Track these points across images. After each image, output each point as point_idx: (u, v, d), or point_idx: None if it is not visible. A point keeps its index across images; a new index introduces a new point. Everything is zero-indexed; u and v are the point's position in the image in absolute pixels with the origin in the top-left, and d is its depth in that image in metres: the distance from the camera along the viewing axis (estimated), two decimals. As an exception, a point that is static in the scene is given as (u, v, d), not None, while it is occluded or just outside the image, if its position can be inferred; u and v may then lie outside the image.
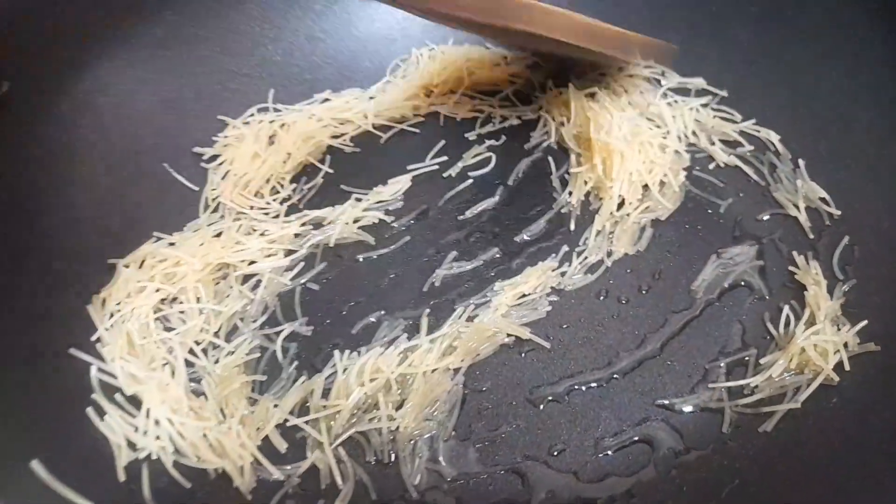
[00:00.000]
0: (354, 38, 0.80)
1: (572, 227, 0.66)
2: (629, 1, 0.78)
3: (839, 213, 0.63)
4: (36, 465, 0.44)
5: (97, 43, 0.67)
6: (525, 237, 0.66)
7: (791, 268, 0.61)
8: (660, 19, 0.77)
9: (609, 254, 0.64)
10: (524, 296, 0.61)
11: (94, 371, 0.53)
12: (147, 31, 0.70)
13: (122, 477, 0.48)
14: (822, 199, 0.64)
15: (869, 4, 0.65)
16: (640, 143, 0.67)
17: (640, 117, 0.71)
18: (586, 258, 0.63)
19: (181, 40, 0.72)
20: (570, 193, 0.68)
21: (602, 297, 0.61)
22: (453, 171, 0.71)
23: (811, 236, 0.63)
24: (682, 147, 0.70)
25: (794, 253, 0.61)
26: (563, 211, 0.68)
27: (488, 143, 0.73)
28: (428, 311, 0.60)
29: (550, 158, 0.72)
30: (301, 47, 0.79)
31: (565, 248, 0.64)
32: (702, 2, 0.75)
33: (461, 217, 0.68)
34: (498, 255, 0.65)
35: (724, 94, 0.73)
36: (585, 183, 0.68)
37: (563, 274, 0.62)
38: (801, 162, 0.66)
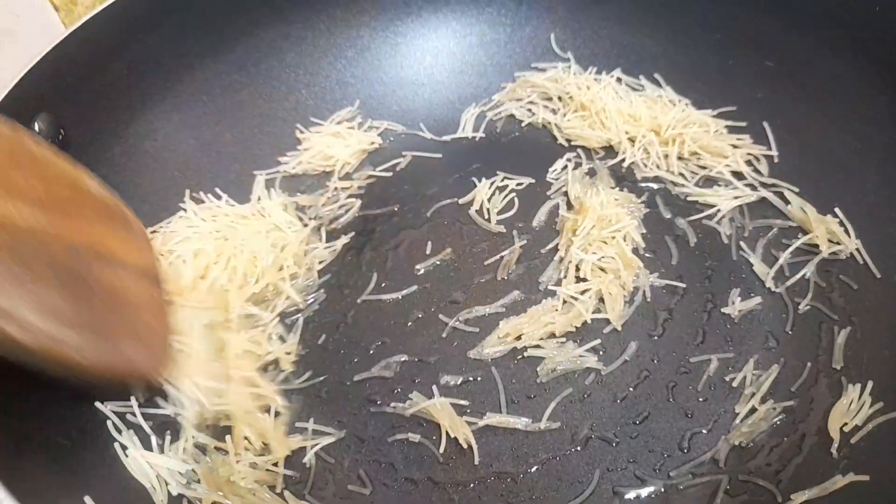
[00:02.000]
0: (383, 83, 0.83)
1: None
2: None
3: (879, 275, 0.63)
4: (89, 502, 0.46)
5: (146, 91, 0.71)
6: (546, 280, 0.68)
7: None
8: (679, 78, 0.80)
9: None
10: (518, 337, 0.63)
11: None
12: (191, 78, 0.74)
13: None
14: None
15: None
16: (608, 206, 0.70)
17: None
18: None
19: (221, 86, 0.76)
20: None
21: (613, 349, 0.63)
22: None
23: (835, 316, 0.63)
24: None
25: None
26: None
27: (512, 187, 0.76)
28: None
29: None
30: (332, 91, 0.82)
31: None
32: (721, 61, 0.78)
33: (486, 262, 0.70)
34: (520, 298, 0.67)
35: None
36: (574, 232, 0.69)
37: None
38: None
